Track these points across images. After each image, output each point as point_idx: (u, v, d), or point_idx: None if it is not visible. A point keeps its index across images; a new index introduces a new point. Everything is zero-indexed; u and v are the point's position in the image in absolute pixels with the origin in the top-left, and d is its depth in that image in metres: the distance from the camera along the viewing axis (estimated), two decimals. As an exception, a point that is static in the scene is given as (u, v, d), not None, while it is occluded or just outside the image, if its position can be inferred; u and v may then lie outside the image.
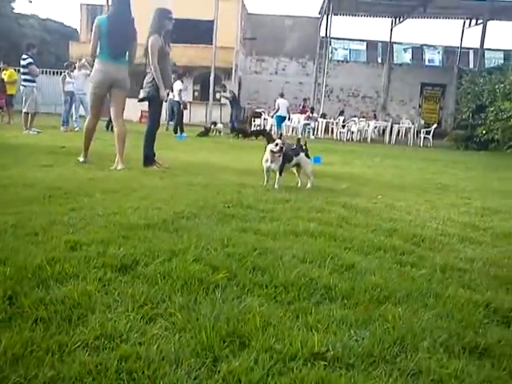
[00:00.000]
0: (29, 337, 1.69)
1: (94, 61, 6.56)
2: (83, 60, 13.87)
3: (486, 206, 5.24)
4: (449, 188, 6.82)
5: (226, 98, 19.18)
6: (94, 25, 6.48)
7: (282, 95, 19.07)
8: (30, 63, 11.79)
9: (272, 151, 5.40)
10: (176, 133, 15.47)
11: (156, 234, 3.13)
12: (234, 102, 18.98)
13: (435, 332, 1.95)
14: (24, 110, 11.96)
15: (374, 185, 6.51)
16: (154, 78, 6.57)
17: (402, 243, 3.38)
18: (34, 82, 12.09)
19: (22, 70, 12.08)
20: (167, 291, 2.19)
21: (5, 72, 15.60)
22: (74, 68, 14.16)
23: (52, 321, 1.83)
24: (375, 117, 25.31)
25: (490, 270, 2.90)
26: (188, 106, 16.58)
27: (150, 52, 6.52)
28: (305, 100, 25.17)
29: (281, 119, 18.52)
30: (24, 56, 11.88)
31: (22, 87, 12.16)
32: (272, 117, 18.99)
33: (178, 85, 15.49)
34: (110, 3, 7.43)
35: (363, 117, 24.61)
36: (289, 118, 19.51)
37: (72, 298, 2.02)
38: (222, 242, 2.99)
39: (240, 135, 16.44)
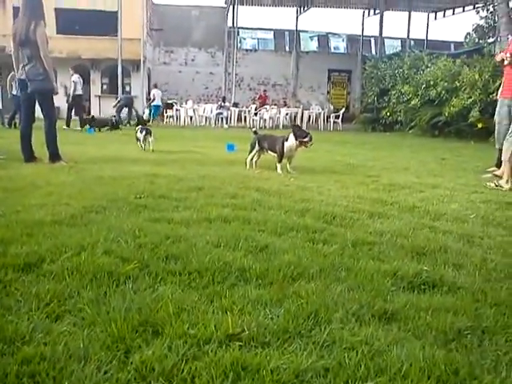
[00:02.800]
0: None
1: None
2: None
3: (392, 183, 5.48)
4: (358, 168, 7.07)
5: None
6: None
7: (155, 86, 21.52)
8: None
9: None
10: (68, 126, 14.94)
11: (63, 229, 2.99)
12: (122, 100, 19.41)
13: (347, 303, 2.00)
14: None
15: (284, 168, 6.60)
16: (44, 70, 6.19)
17: (313, 222, 3.45)
18: None
19: None
20: (76, 286, 2.09)
21: None
22: None
23: None
24: (285, 104, 25.83)
25: (397, 241, 3.03)
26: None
27: (39, 41, 6.09)
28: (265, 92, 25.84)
29: (157, 108, 20.41)
30: None
31: None
32: (148, 107, 20.87)
33: (74, 77, 15.00)
34: None
35: (274, 104, 24.95)
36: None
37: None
38: (133, 233, 2.91)
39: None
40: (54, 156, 6.34)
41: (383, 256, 2.74)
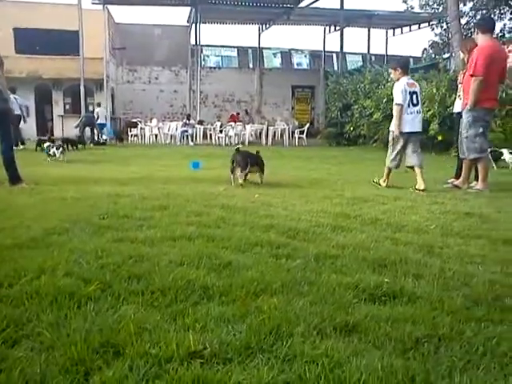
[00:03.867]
0: None
1: None
2: None
3: (355, 196, 5.57)
4: (323, 182, 7.17)
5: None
6: None
7: (98, 105, 21.94)
8: None
9: None
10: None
11: (24, 253, 2.94)
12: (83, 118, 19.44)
13: (309, 317, 2.03)
14: None
15: (250, 185, 6.64)
16: (1, 91, 6.13)
17: (277, 237, 3.48)
18: None
19: None
20: (35, 310, 2.06)
21: None
22: None
23: None
24: (247, 113, 26.17)
25: (359, 254, 3.09)
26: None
27: None
28: (246, 112, 25.89)
29: (101, 126, 20.62)
30: None
31: None
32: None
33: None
34: None
35: (238, 119, 25.13)
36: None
37: None
38: (95, 253, 2.88)
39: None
40: (14, 178, 6.21)
41: (345, 269, 2.78)
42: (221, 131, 20.95)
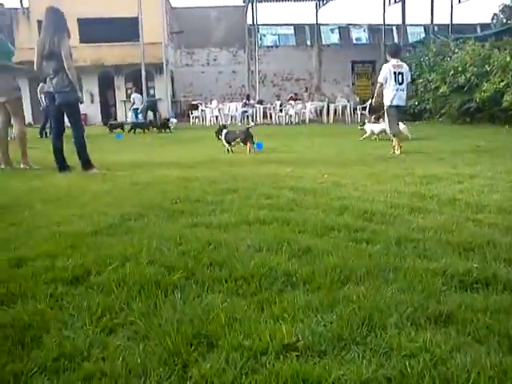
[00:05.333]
0: (-21, 369, 1.56)
1: None
2: None
3: (427, 174, 5.37)
4: (390, 160, 6.97)
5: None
6: None
7: (136, 91, 22.33)
8: None
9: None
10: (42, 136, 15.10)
11: (105, 239, 3.00)
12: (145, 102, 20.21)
13: (400, 307, 1.95)
14: None
15: (317, 165, 6.54)
16: (69, 81, 6.29)
17: (354, 220, 3.40)
18: None
19: None
20: (125, 298, 2.09)
21: None
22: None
23: (2, 348, 1.70)
24: (306, 90, 25.68)
25: (442, 237, 2.95)
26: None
27: (64, 54, 6.19)
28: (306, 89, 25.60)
29: (137, 111, 20.97)
30: None
31: None
32: (130, 109, 21.91)
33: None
34: None
35: (297, 99, 24.81)
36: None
37: (22, 320, 1.88)
38: (174, 240, 2.90)
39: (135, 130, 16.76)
40: (87, 164, 6.41)
41: (429, 253, 2.66)
42: (281, 110, 20.81)
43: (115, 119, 25.09)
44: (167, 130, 16.45)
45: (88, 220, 3.56)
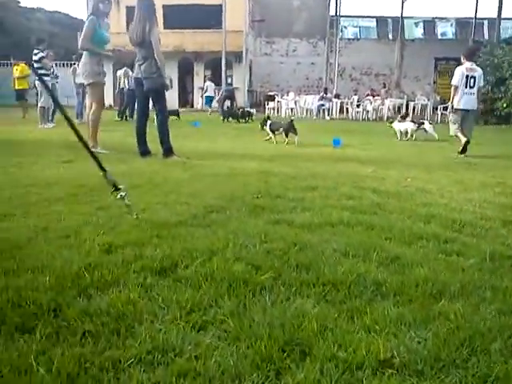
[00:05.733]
0: (80, 353, 1.60)
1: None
2: None
3: (520, 184, 5.07)
4: (477, 166, 6.65)
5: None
6: None
7: (209, 78, 22.76)
8: (42, 57, 11.73)
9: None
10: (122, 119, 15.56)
11: (189, 231, 3.04)
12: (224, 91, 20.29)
13: (504, 331, 1.83)
14: (40, 105, 11.90)
15: (399, 167, 6.36)
16: (157, 68, 6.43)
17: (442, 230, 3.25)
18: (48, 75, 12.03)
19: (35, 64, 11.98)
20: (213, 295, 2.09)
21: (16, 67, 15.62)
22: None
23: (100, 334, 1.74)
24: (384, 86, 24.92)
25: (543, 257, 2.76)
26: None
27: (153, 41, 6.35)
28: (384, 85, 25.12)
29: (209, 98, 21.81)
30: (35, 51, 11.82)
31: (37, 82, 12.09)
32: (201, 96, 22.65)
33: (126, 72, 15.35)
34: None
35: (375, 95, 24.21)
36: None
37: (116, 308, 1.93)
38: (259, 237, 2.89)
39: (229, 119, 17.07)
40: (168, 151, 6.55)
41: (530, 274, 2.49)
42: (358, 105, 20.44)
43: (192, 106, 25.60)
44: (248, 120, 16.52)
45: (171, 209, 3.62)
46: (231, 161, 6.37)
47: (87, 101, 7.50)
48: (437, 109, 20.05)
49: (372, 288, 2.22)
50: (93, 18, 6.81)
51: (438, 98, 23.96)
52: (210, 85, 22.16)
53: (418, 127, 10.97)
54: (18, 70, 15.53)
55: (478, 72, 8.35)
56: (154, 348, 1.66)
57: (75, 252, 2.57)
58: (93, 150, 6.98)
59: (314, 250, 2.71)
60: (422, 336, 1.79)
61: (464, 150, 7.99)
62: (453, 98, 8.36)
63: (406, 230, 3.18)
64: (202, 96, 22.63)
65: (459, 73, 8.26)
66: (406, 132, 10.88)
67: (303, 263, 2.49)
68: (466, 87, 8.19)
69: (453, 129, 8.44)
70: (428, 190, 4.72)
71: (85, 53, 7.08)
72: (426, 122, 11.17)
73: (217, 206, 3.75)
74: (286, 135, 9.22)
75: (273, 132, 9.57)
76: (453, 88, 8.34)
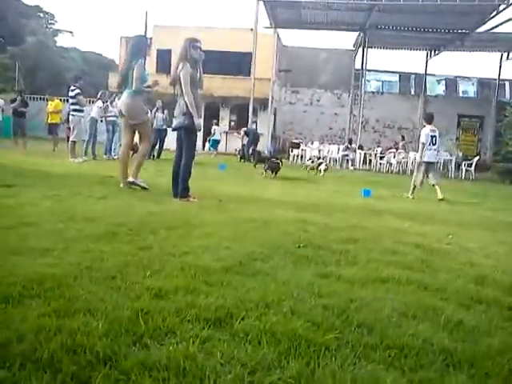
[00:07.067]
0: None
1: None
2: None
3: None
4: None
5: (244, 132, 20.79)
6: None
7: (216, 123, 23.22)
8: (78, 94, 11.95)
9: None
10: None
11: (238, 279, 2.92)
12: (248, 134, 20.52)
13: None
14: (71, 139, 12.04)
15: (436, 222, 6.22)
16: (187, 107, 6.40)
17: (501, 294, 3.08)
18: (81, 111, 12.25)
19: (70, 100, 12.25)
20: (275, 353, 1.96)
21: (50, 102, 16.03)
22: (115, 98, 14.33)
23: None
24: (403, 138, 24.86)
25: None
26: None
27: (182, 81, 6.37)
28: (403, 138, 25.10)
29: (215, 142, 22.26)
30: (72, 87, 12.06)
31: (70, 117, 12.30)
32: (208, 140, 22.82)
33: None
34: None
35: (397, 148, 24.16)
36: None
37: (176, 363, 1.80)
38: (311, 290, 2.76)
39: (247, 161, 17.39)
40: (184, 192, 6.43)
41: None
42: (381, 157, 20.42)
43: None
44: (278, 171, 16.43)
45: (214, 254, 3.52)
46: (265, 207, 6.28)
47: (140, 140, 7.58)
48: (460, 165, 19.90)
49: (442, 356, 2.07)
50: (142, 61, 6.88)
51: (461, 154, 23.86)
52: (216, 128, 22.71)
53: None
54: (52, 104, 15.96)
55: (437, 132, 10.25)
56: (223, 412, 1.52)
57: (124, 295, 2.47)
58: (135, 181, 7.09)
59: (371, 308, 2.57)
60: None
61: (413, 192, 9.83)
62: (421, 153, 10.13)
63: (462, 292, 3.04)
64: (208, 140, 22.86)
65: (425, 133, 10.11)
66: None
67: (364, 323, 2.35)
68: (430, 144, 10.05)
69: (415, 177, 10.15)
70: (471, 249, 4.57)
71: (130, 94, 7.16)
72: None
73: (260, 253, 3.64)
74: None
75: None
76: (421, 145, 10.14)
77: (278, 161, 12.17)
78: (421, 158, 10.18)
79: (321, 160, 15.49)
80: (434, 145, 10.09)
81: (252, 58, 22.57)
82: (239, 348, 1.98)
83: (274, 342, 2.06)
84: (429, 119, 10.52)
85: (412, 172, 19.90)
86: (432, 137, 10.09)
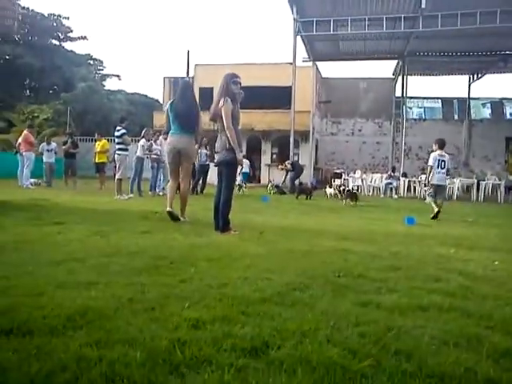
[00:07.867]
0: None
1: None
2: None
3: None
4: None
5: (287, 169, 21.17)
6: (166, 108, 8.01)
7: (245, 157, 22.68)
8: (123, 134, 12.48)
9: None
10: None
11: (275, 309, 2.93)
12: (294, 167, 20.95)
13: None
14: (117, 177, 12.49)
15: (480, 248, 6.03)
16: (228, 142, 6.48)
17: (550, 323, 2.97)
18: (126, 150, 12.73)
19: (116, 139, 12.76)
20: (309, 381, 1.96)
21: (98, 143, 16.75)
22: (159, 136, 14.77)
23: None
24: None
25: None
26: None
27: (224, 116, 6.44)
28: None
29: (245, 175, 22.27)
30: (118, 127, 12.65)
31: (116, 155, 12.76)
32: (239, 174, 21.86)
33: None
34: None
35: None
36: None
37: (212, 391, 1.83)
38: (349, 319, 2.74)
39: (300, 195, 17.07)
40: (226, 226, 6.49)
41: None
42: (425, 185, 20.03)
43: (259, 181, 26.07)
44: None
45: (253, 285, 3.53)
46: (305, 236, 6.28)
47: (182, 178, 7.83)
48: (510, 189, 19.31)
49: (485, 386, 2.01)
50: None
51: (510, 178, 23.18)
52: (245, 161, 22.55)
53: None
54: (100, 145, 16.68)
55: (447, 157, 10.81)
56: None
57: (162, 326, 2.52)
58: (183, 219, 7.37)
59: (410, 336, 2.52)
60: None
61: (436, 217, 10.06)
62: (429, 176, 10.74)
63: (509, 320, 2.93)
64: (239, 173, 22.96)
65: (433, 157, 10.73)
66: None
67: (402, 350, 2.31)
68: (438, 168, 10.62)
69: (428, 200, 11.06)
70: (519, 276, 4.41)
71: (189, 135, 7.70)
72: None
73: (298, 283, 3.64)
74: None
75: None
76: (428, 168, 10.79)
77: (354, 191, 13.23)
78: (428, 180, 10.80)
79: (343, 187, 15.45)
80: (442, 168, 10.62)
81: (292, 91, 22.86)
82: (274, 376, 1.99)
83: (309, 370, 2.06)
84: (440, 144, 10.93)
85: (458, 197, 19.59)
86: (440, 161, 10.63)
